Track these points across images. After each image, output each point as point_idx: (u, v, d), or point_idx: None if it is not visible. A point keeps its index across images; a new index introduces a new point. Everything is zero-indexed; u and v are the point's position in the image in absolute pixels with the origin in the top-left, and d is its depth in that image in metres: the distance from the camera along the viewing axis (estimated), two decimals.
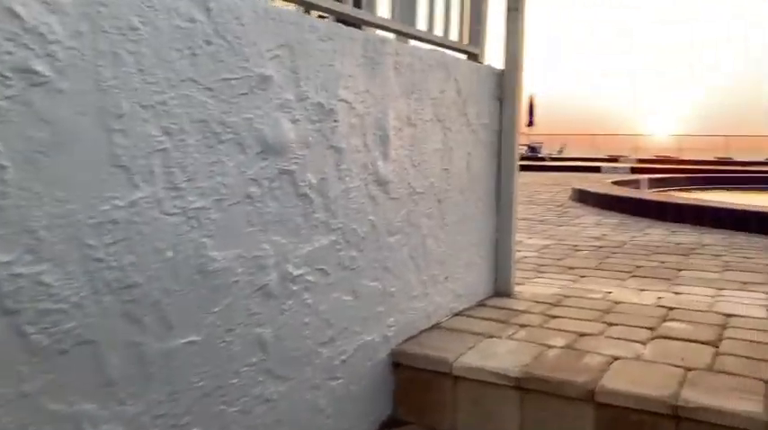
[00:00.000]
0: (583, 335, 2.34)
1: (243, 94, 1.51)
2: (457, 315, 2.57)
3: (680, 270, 3.64)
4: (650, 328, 2.43)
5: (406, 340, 2.23)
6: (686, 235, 5.07)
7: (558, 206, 7.29)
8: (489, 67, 2.81)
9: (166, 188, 1.34)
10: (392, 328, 2.16)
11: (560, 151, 30.97)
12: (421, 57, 2.26)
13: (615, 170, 16.08)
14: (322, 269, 1.81)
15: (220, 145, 1.47)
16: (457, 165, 2.55)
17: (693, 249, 4.37)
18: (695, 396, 1.79)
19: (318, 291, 1.80)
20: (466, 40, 2.87)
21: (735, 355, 2.13)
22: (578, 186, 7.89)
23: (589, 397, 1.87)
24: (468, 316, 2.57)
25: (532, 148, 28.41)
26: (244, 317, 1.56)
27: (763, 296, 3.01)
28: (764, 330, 2.43)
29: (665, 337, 2.32)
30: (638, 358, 2.10)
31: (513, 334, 2.34)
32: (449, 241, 2.51)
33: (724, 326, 2.48)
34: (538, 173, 15.35)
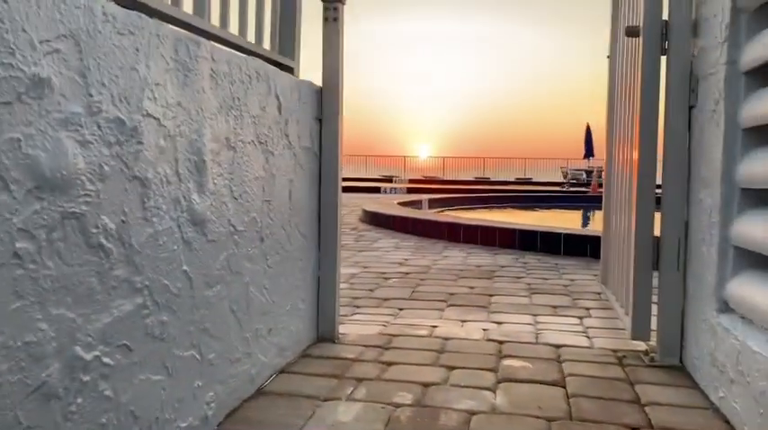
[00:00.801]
0: (427, 385, 2.09)
1: (5, 103, 1.01)
2: (282, 372, 2.18)
3: (491, 295, 3.60)
4: (492, 370, 2.25)
5: (229, 415, 1.79)
6: (481, 256, 5.16)
7: (353, 229, 7.15)
8: (310, 84, 2.47)
9: None
10: (212, 405, 1.71)
11: None
12: (240, 66, 1.86)
13: (394, 190, 16.62)
14: (124, 345, 1.32)
15: None
16: (279, 196, 2.17)
17: (494, 272, 4.42)
18: None
19: (120, 375, 1.31)
20: (279, 51, 2.51)
21: (586, 397, 2.01)
22: (369, 208, 7.85)
23: None
24: (296, 373, 2.19)
25: None
26: None
27: (576, 321, 3.03)
28: (596, 362, 2.38)
29: (511, 380, 2.15)
30: (494, 411, 1.89)
31: (352, 393, 2.01)
32: (272, 287, 2.12)
33: (560, 360, 2.38)
34: None
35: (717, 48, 2.03)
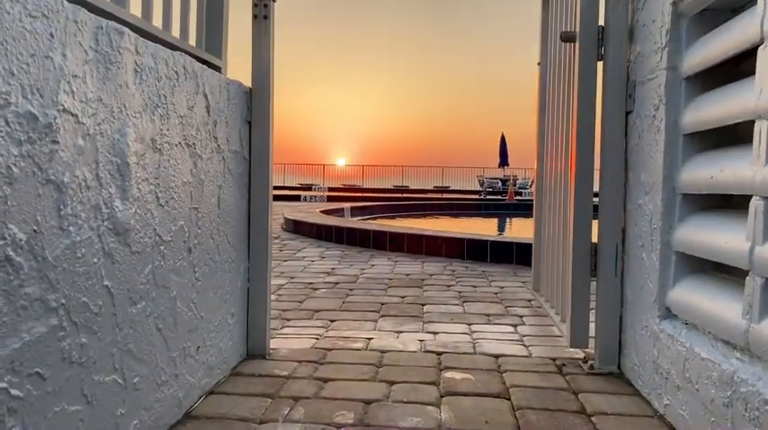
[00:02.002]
0: (369, 402, 1.98)
1: None
2: (212, 393, 2.02)
3: (423, 304, 3.53)
4: (433, 383, 2.17)
5: None
6: (409, 265, 5.10)
7: (275, 238, 6.95)
8: (239, 84, 2.32)
9: None
10: None
11: None
12: (167, 61, 1.70)
13: (314, 198, 16.43)
14: (36, 373, 1.15)
15: None
16: (208, 203, 2.01)
17: (424, 280, 4.36)
18: None
19: (31, 408, 1.14)
20: (206, 49, 2.36)
21: (532, 409, 1.95)
22: (291, 216, 7.67)
23: None
24: (226, 393, 2.03)
25: None
26: None
27: (511, 329, 2.99)
28: (536, 371, 2.34)
29: (455, 394, 2.07)
30: (440, 428, 1.80)
31: (289, 413, 1.87)
32: (200, 301, 1.96)
33: (500, 370, 2.33)
34: None
35: (656, 53, 2.03)
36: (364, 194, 22.80)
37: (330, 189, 27.62)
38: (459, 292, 3.93)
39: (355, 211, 11.02)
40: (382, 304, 3.53)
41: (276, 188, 26.27)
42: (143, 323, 1.57)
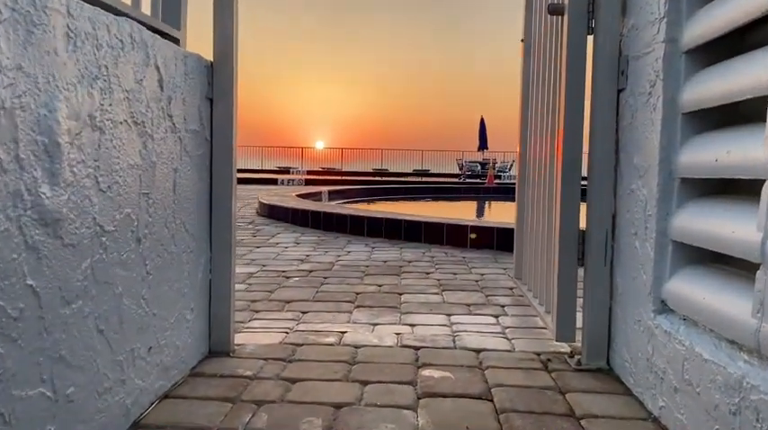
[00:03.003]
0: (339, 406, 1.81)
1: None
2: (166, 397, 1.84)
3: (401, 294, 3.37)
4: (410, 383, 2.01)
5: None
6: (387, 251, 4.94)
7: (249, 223, 6.74)
8: (198, 57, 2.12)
9: None
10: None
11: None
12: (109, 27, 1.49)
13: (292, 182, 16.19)
14: None
15: None
16: (161, 188, 1.81)
17: (402, 267, 4.19)
18: None
19: None
20: (161, 18, 2.15)
21: (517, 411, 1.80)
22: (267, 201, 7.45)
23: None
24: (183, 397, 1.85)
25: None
26: None
27: (492, 320, 2.84)
28: (520, 368, 2.19)
29: (433, 395, 1.91)
30: None
31: (251, 420, 1.70)
32: (152, 297, 1.77)
33: (482, 367, 2.17)
34: None
35: (653, 25, 1.87)
36: (343, 178, 22.58)
37: (309, 172, 27.35)
38: (439, 280, 3.77)
39: (333, 195, 10.82)
40: (358, 294, 3.36)
41: (253, 171, 25.96)
42: (80, 325, 1.38)
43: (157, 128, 1.78)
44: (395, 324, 2.76)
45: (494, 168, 24.71)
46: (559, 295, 2.33)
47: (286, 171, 27.40)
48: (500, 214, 10.60)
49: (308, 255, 4.64)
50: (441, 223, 5.28)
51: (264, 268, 4.10)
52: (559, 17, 2.45)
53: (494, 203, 13.06)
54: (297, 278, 3.78)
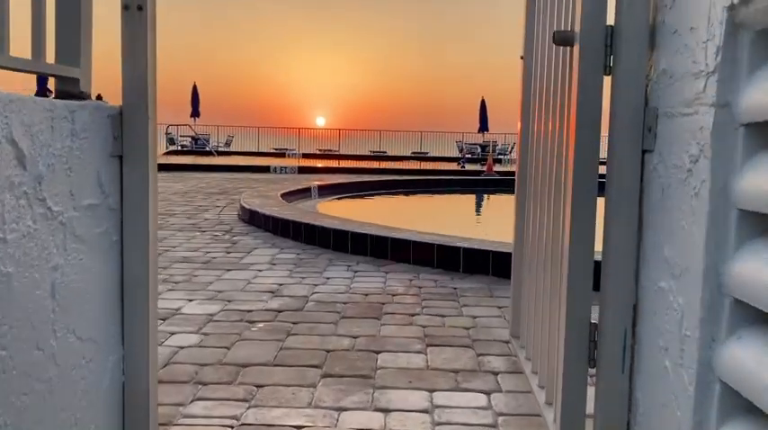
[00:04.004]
0: None
1: None
2: None
3: (378, 353, 2.90)
4: None
5: None
6: (370, 277, 4.45)
7: (227, 231, 6.26)
8: (96, 106, 1.63)
9: None
10: None
11: (227, 143, 30.14)
12: None
13: (285, 170, 15.69)
14: None
15: None
16: (23, 301, 1.33)
17: (383, 305, 3.72)
18: None
19: None
20: (57, 54, 1.66)
21: None
22: (248, 205, 6.96)
23: None
24: None
25: (197, 140, 27.07)
26: None
27: (483, 401, 2.38)
28: None
29: None
30: None
31: None
32: None
33: None
34: (204, 174, 14.22)
35: (697, 79, 1.37)
36: (339, 164, 22.07)
37: (305, 156, 26.79)
38: (424, 328, 3.30)
39: (324, 191, 10.33)
40: (328, 352, 2.89)
41: (247, 154, 25.43)
42: None
43: (16, 223, 1.30)
44: (365, 408, 2.30)
45: (494, 151, 24.15)
46: (564, 395, 1.86)
47: (281, 154, 26.83)
48: (499, 218, 10.13)
49: (281, 284, 4.16)
50: (431, 243, 4.80)
51: (228, 306, 3.63)
52: (568, 48, 1.94)
53: (493, 198, 12.57)
54: (261, 324, 3.30)
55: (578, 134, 1.74)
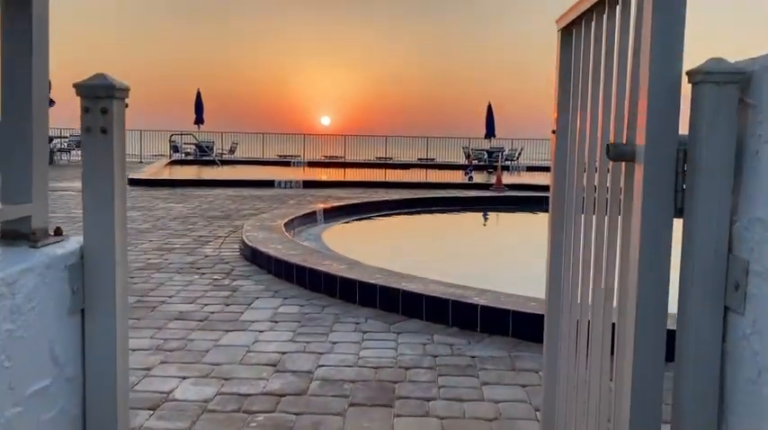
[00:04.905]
0: None
1: None
2: None
3: None
4: None
5: None
6: (380, 342, 4.11)
7: (227, 273, 5.94)
8: (49, 262, 1.32)
9: None
10: None
11: (232, 149, 29.90)
12: None
13: (290, 185, 15.39)
14: None
15: None
16: None
17: (395, 385, 3.39)
18: None
19: None
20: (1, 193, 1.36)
21: None
22: (250, 242, 6.65)
23: None
24: None
25: (201, 148, 26.80)
26: None
27: None
28: None
29: None
30: None
31: None
32: None
33: None
34: (207, 191, 13.89)
35: None
36: (345, 174, 21.76)
37: (310, 164, 26.50)
38: (441, 421, 2.97)
39: (329, 214, 10.01)
40: None
41: (251, 163, 25.12)
42: None
43: None
44: None
45: (502, 159, 23.78)
46: None
47: (286, 163, 26.53)
48: (512, 248, 9.82)
49: (283, 353, 3.84)
50: (445, 298, 4.48)
51: (225, 386, 3.31)
52: (624, 163, 1.61)
53: (502, 217, 12.23)
54: (261, 417, 2.98)
55: (641, 274, 1.40)
